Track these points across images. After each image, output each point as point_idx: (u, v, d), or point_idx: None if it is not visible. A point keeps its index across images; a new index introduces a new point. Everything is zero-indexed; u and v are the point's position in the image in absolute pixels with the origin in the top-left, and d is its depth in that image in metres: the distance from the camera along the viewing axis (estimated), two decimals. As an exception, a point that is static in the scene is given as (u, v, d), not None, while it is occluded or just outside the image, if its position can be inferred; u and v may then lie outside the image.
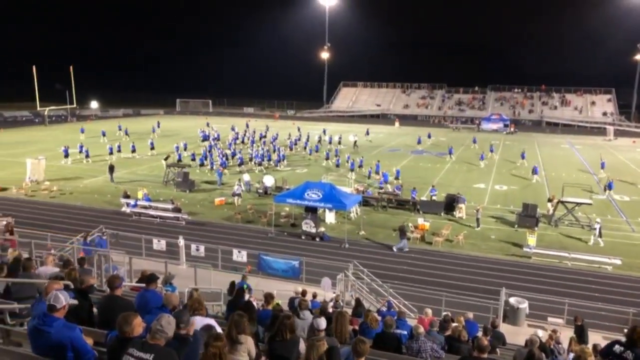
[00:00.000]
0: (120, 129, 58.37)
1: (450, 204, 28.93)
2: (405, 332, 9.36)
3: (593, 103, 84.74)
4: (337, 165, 41.59)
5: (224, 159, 40.77)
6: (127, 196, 28.76)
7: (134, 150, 45.33)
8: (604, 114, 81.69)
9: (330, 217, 27.21)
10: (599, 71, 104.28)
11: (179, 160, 41.37)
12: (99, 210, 28.38)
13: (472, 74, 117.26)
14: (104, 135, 54.38)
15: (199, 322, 5.86)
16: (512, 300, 16.58)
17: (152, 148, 46.85)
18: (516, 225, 26.63)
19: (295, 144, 51.98)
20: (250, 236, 24.62)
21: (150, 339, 4.46)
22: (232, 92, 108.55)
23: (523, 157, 45.85)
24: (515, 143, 61.17)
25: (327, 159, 43.95)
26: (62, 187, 33.22)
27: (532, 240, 23.04)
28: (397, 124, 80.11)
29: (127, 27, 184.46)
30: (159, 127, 63.35)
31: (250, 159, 42.28)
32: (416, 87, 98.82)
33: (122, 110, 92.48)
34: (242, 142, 53.99)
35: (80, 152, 43.40)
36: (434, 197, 30.65)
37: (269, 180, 33.15)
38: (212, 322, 6.16)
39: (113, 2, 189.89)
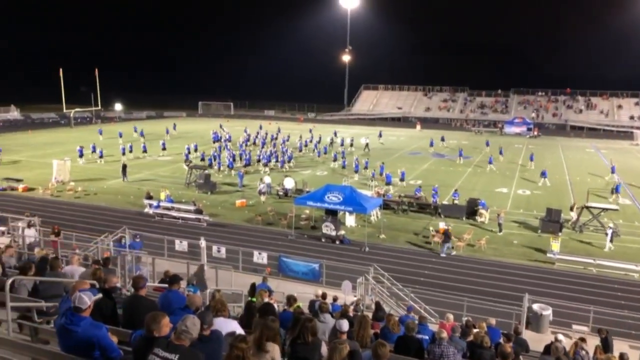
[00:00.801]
0: (135, 131, 59.69)
1: (472, 208, 28.65)
2: (427, 337, 9.29)
3: (620, 106, 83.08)
4: (344, 167, 42.12)
5: (231, 159, 41.45)
6: (149, 197, 29.15)
7: (145, 151, 46.72)
8: (631, 117, 79.97)
9: (350, 220, 27.16)
10: (626, 74, 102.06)
11: (186, 160, 42.44)
12: (122, 211, 28.82)
13: (494, 76, 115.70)
14: (120, 136, 55.61)
15: (222, 323, 5.90)
16: (535, 306, 16.32)
17: (164, 149, 48.14)
18: (539, 231, 26.22)
19: (306, 146, 52.48)
20: (270, 238, 24.71)
21: (175, 339, 4.50)
22: (253, 95, 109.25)
23: (532, 160, 45.67)
24: (539, 147, 60.26)
25: (334, 160, 44.31)
26: (87, 188, 33.82)
27: (555, 245, 22.65)
28: (418, 127, 79.67)
29: (151, 30, 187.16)
30: (175, 129, 64.67)
31: (258, 160, 42.97)
32: (438, 90, 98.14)
33: (146, 112, 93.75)
34: (254, 143, 54.79)
35: (94, 152, 44.65)
36: (456, 201, 30.36)
37: (289, 183, 33.26)
38: (234, 324, 6.20)
39: (138, 6, 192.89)
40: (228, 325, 6.02)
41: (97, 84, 73.59)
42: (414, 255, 22.87)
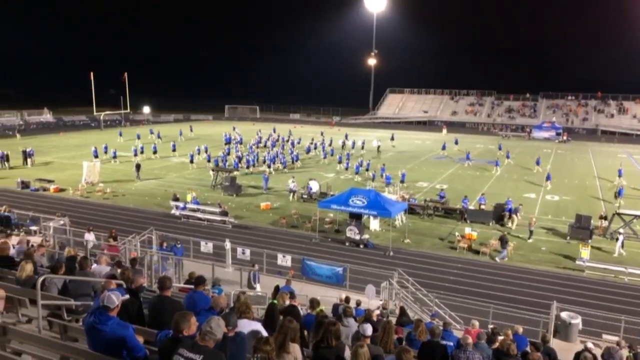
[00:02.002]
0: (152, 133, 61.58)
1: (499, 214, 28.23)
2: (452, 343, 9.16)
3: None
4: (346, 168, 42.89)
5: (236, 160, 42.69)
6: (176, 199, 29.54)
7: (155, 152, 48.50)
8: (665, 122, 77.79)
9: (374, 224, 27.03)
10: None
11: (191, 161, 43.75)
12: (149, 212, 29.27)
13: (523, 80, 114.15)
14: (138, 138, 57.11)
15: (246, 325, 5.93)
16: (563, 314, 15.95)
17: (174, 150, 49.59)
18: (568, 237, 25.66)
19: (315, 148, 53.33)
20: (294, 241, 24.78)
21: (200, 340, 4.55)
22: (279, 99, 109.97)
23: (538, 164, 45.38)
24: (568, 152, 59.10)
25: (339, 162, 44.92)
26: (115, 189, 34.46)
27: (585, 253, 22.15)
28: (444, 131, 78.84)
29: (179, 35, 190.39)
30: (191, 131, 66.81)
31: (264, 161, 43.99)
32: (464, 93, 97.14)
33: (173, 115, 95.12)
34: (265, 145, 55.89)
35: (106, 152, 46.75)
36: (482, 206, 29.93)
37: (313, 186, 33.34)
38: (258, 326, 6.23)
39: (167, 11, 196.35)
40: (252, 327, 6.04)
41: (127, 87, 75.08)
42: (439, 261, 22.64)
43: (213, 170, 37.37)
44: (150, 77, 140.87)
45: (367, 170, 40.75)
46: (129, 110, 79.46)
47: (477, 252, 23.46)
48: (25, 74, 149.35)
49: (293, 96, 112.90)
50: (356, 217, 24.50)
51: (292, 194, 32.92)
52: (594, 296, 18.92)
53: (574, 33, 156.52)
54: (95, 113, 73.77)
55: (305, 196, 32.90)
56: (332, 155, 48.85)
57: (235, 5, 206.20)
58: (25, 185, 34.43)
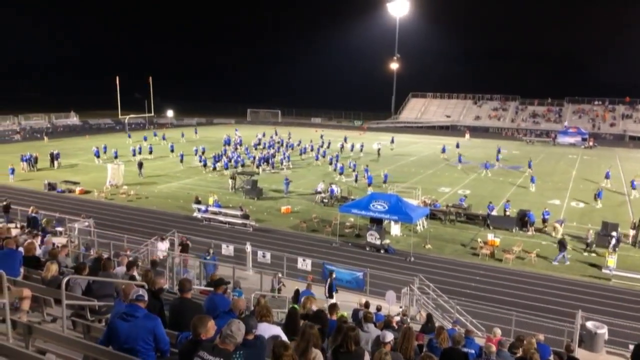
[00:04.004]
0: (155, 135, 65.76)
1: (522, 220, 27.79)
2: (473, 351, 9.04)
3: (683, 116, 78.76)
4: (335, 169, 43.94)
5: (227, 161, 44.04)
6: (198, 202, 29.83)
7: (150, 152, 51.04)
8: (696, 128, 75.68)
9: (395, 229, 26.87)
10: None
11: (181, 161, 45.84)
12: (172, 215, 29.60)
13: (547, 85, 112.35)
14: (145, 140, 59.38)
15: (266, 329, 5.94)
16: (589, 324, 15.57)
17: (172, 151, 51.87)
18: (594, 245, 25.11)
19: (312, 150, 54.58)
20: (314, 245, 24.78)
21: (220, 343, 4.57)
22: (301, 103, 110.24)
23: (530, 167, 45.53)
24: (594, 158, 57.94)
25: (330, 164, 46.21)
26: (139, 192, 34.94)
27: (612, 261, 21.63)
28: (467, 135, 78.03)
29: (204, 40, 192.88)
30: (196, 133, 69.78)
31: (253, 161, 45.96)
32: (488, 98, 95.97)
33: (196, 119, 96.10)
34: (264, 147, 57.59)
35: (105, 152, 49.18)
36: (507, 213, 29.47)
37: (333, 190, 33.30)
38: (278, 330, 6.22)
39: (192, 17, 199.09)
40: (272, 331, 6.05)
41: (151, 91, 76.17)
42: (460, 267, 22.38)
43: (232, 178, 37.49)
44: (175, 81, 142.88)
45: (353, 171, 41.56)
46: (153, 114, 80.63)
47: (500, 259, 23.14)
48: (53, 78, 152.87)
49: (315, 100, 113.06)
50: (377, 222, 24.38)
51: (317, 195, 33.54)
52: (620, 306, 18.48)
53: (600, 36, 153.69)
54: (120, 116, 75.00)
55: (325, 200, 32.92)
56: (324, 157, 49.85)
57: (260, 11, 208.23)
58: (51, 187, 35.18)
